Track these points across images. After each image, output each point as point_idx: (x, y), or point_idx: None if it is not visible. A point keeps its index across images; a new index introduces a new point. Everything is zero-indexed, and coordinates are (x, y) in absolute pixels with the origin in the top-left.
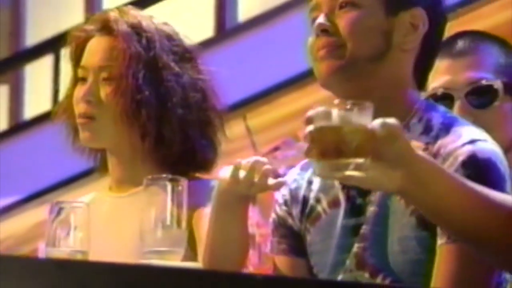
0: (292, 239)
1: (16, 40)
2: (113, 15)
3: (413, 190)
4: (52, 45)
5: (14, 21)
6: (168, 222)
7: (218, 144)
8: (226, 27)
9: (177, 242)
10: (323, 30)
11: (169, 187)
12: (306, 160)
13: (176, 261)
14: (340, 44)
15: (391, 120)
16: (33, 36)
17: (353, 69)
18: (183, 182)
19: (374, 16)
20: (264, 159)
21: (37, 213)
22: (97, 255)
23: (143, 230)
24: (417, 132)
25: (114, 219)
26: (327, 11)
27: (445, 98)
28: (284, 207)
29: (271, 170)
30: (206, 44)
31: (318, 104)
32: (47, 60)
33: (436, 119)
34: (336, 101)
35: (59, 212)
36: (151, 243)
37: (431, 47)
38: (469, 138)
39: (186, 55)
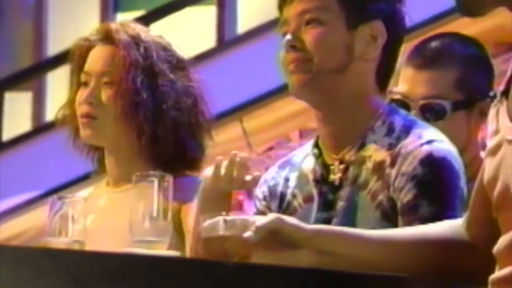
0: None
1: (38, 51)
2: (115, 26)
3: (325, 260)
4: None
5: (37, 33)
6: (155, 214)
7: (205, 145)
8: (226, 39)
9: (163, 233)
10: (291, 46)
11: (156, 182)
12: (284, 159)
13: (162, 250)
14: (307, 59)
15: (265, 220)
16: (54, 47)
17: (319, 81)
18: (169, 178)
19: (337, 32)
20: (243, 155)
21: None
22: (95, 245)
23: (132, 222)
24: (381, 134)
25: (110, 212)
26: (294, 28)
27: (402, 105)
28: (263, 202)
29: (247, 167)
30: (208, 54)
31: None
32: (66, 69)
33: (398, 122)
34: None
35: (59, 206)
36: (140, 233)
37: (391, 55)
38: (427, 139)
39: (179, 64)
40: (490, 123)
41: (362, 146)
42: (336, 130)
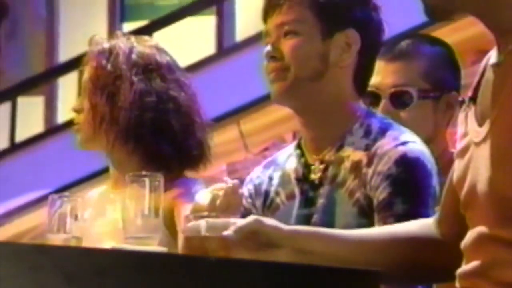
0: None
1: (50, 58)
2: (96, 39)
3: (302, 258)
4: (80, 63)
5: (49, 41)
6: (146, 212)
7: (190, 141)
8: (225, 46)
9: (154, 229)
10: (271, 57)
11: (147, 182)
12: (269, 160)
13: (153, 246)
14: (285, 68)
15: (245, 221)
16: (64, 54)
17: (297, 88)
18: (160, 178)
19: (312, 41)
20: (235, 182)
21: None
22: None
23: (125, 219)
24: (358, 135)
25: (110, 211)
26: (274, 39)
27: (374, 95)
28: (249, 200)
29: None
30: (208, 60)
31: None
32: (76, 75)
33: (375, 124)
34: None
35: (58, 204)
36: (132, 230)
37: (368, 60)
38: (401, 140)
39: (150, 67)
40: (460, 127)
41: (340, 147)
42: (316, 133)
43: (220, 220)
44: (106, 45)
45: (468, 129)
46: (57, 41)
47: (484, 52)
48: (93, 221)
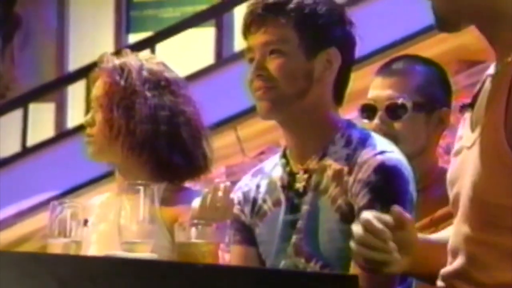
0: (245, 231)
1: (60, 67)
2: (106, 57)
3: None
4: (88, 71)
5: (59, 51)
6: (141, 219)
7: (196, 152)
8: (223, 56)
9: (148, 235)
10: (258, 75)
11: (141, 190)
12: (256, 168)
13: (146, 250)
14: (271, 86)
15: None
16: (73, 63)
17: (283, 106)
18: (154, 186)
19: (297, 61)
20: (227, 184)
21: None
22: (107, 249)
23: (121, 225)
24: (340, 145)
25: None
26: (259, 57)
27: (370, 108)
28: (238, 206)
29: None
30: (208, 70)
31: None
32: (85, 83)
33: (355, 135)
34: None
35: (59, 210)
36: (127, 235)
37: (345, 75)
38: (380, 149)
39: (160, 83)
40: (459, 130)
41: (323, 156)
42: (300, 143)
43: (209, 227)
44: (117, 62)
45: (463, 133)
46: (67, 51)
47: (466, 62)
48: (95, 227)
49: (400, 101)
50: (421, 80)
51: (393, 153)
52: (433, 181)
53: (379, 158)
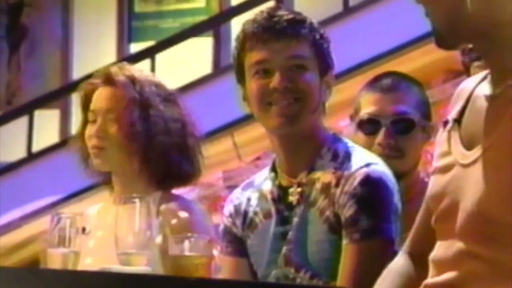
0: (236, 243)
1: (65, 75)
2: (113, 70)
3: None
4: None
5: (64, 60)
6: (136, 230)
7: (196, 161)
8: (221, 65)
9: (143, 246)
10: (285, 87)
11: (137, 203)
12: (246, 182)
13: (142, 261)
14: (299, 98)
15: None
16: (78, 71)
17: (303, 119)
18: (149, 199)
19: (316, 78)
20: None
21: (79, 206)
22: (104, 255)
23: (118, 237)
24: (327, 159)
25: (113, 227)
26: (284, 69)
27: (372, 123)
28: (229, 219)
29: None
30: (206, 78)
31: None
32: None
33: (341, 149)
34: None
35: (58, 221)
36: (123, 246)
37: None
38: (365, 162)
39: (168, 96)
40: (440, 145)
41: (311, 170)
42: (292, 157)
43: (202, 240)
44: (127, 75)
45: (452, 149)
46: (71, 60)
47: (453, 72)
48: (92, 236)
49: (406, 116)
50: (417, 96)
51: (378, 165)
52: (417, 194)
53: (365, 170)
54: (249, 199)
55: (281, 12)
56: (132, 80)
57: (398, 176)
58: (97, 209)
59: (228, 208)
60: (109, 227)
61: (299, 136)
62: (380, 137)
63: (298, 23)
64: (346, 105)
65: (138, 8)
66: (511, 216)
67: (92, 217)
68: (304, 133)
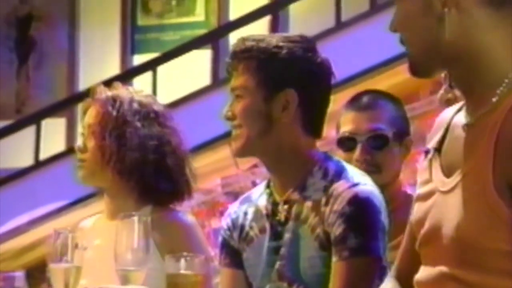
0: (234, 255)
1: (71, 85)
2: (100, 88)
3: None
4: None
5: (70, 71)
6: (135, 246)
7: (179, 181)
8: (220, 77)
9: (142, 263)
10: (226, 117)
11: (136, 220)
12: (244, 196)
13: (140, 278)
14: (237, 126)
15: None
16: (84, 82)
17: (250, 145)
18: (148, 218)
19: (255, 104)
20: None
21: (83, 211)
22: (95, 269)
23: (117, 253)
24: (318, 177)
25: (107, 242)
26: (230, 100)
27: (350, 140)
28: (227, 232)
29: None
30: (204, 90)
31: None
32: None
33: (331, 167)
34: None
35: (59, 237)
36: (122, 263)
37: (315, 109)
38: (353, 182)
39: (149, 115)
40: (422, 173)
41: (303, 187)
42: (280, 177)
43: (197, 259)
44: (109, 94)
45: (433, 177)
46: (77, 70)
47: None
48: (95, 251)
49: (381, 132)
50: (392, 112)
51: (366, 186)
52: (400, 205)
53: (353, 190)
54: (245, 213)
55: (238, 43)
56: (113, 98)
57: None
58: (92, 222)
59: (226, 221)
60: (100, 239)
61: (271, 158)
62: (357, 153)
63: (242, 52)
64: (339, 115)
65: (140, 21)
66: (490, 242)
67: (87, 230)
68: (274, 156)
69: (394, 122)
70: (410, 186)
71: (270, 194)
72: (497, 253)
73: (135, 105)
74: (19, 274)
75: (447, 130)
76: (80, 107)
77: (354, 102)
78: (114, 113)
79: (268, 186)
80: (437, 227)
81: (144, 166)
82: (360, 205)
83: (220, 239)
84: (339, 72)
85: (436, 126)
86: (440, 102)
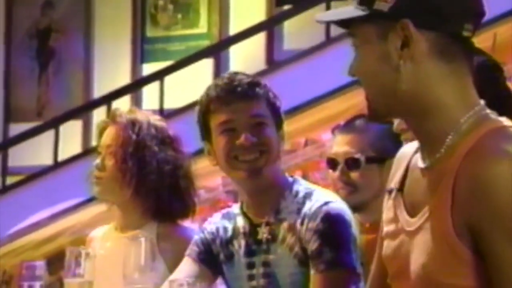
0: (210, 256)
1: (87, 92)
2: (119, 112)
3: None
4: (109, 98)
5: (86, 78)
6: (142, 266)
7: (187, 200)
8: None
9: (148, 281)
10: (252, 143)
11: (143, 241)
12: (226, 211)
13: None
14: (263, 151)
15: None
16: (98, 89)
17: (267, 170)
18: (153, 238)
19: (274, 133)
20: None
21: (96, 209)
22: (101, 277)
23: (125, 271)
24: (290, 200)
25: (115, 253)
26: (247, 127)
27: (332, 161)
28: (211, 235)
29: None
30: None
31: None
32: (109, 106)
33: (301, 190)
34: None
35: (74, 253)
36: (130, 281)
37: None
38: (324, 201)
39: (165, 140)
40: (387, 211)
41: (277, 211)
42: (257, 201)
43: (198, 283)
44: (128, 117)
45: (398, 216)
46: (92, 77)
47: None
48: (101, 261)
49: (355, 156)
50: (374, 136)
51: (336, 203)
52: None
53: (325, 208)
54: (225, 229)
55: (240, 76)
56: (133, 121)
57: (355, 208)
58: (102, 232)
59: (210, 226)
60: (109, 252)
61: (263, 184)
62: (337, 174)
63: (255, 85)
64: (328, 120)
65: (149, 33)
66: (454, 279)
67: (96, 240)
68: (268, 181)
69: (373, 146)
70: None
71: (246, 216)
72: None
73: (153, 130)
74: (40, 263)
75: (407, 169)
76: (95, 113)
77: (344, 125)
78: (134, 137)
79: (241, 209)
80: (405, 266)
81: (161, 189)
82: (332, 222)
83: (201, 236)
84: (329, 83)
85: (397, 164)
86: (396, 130)
